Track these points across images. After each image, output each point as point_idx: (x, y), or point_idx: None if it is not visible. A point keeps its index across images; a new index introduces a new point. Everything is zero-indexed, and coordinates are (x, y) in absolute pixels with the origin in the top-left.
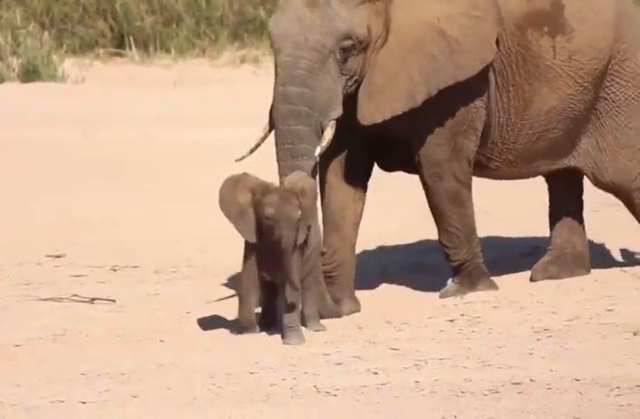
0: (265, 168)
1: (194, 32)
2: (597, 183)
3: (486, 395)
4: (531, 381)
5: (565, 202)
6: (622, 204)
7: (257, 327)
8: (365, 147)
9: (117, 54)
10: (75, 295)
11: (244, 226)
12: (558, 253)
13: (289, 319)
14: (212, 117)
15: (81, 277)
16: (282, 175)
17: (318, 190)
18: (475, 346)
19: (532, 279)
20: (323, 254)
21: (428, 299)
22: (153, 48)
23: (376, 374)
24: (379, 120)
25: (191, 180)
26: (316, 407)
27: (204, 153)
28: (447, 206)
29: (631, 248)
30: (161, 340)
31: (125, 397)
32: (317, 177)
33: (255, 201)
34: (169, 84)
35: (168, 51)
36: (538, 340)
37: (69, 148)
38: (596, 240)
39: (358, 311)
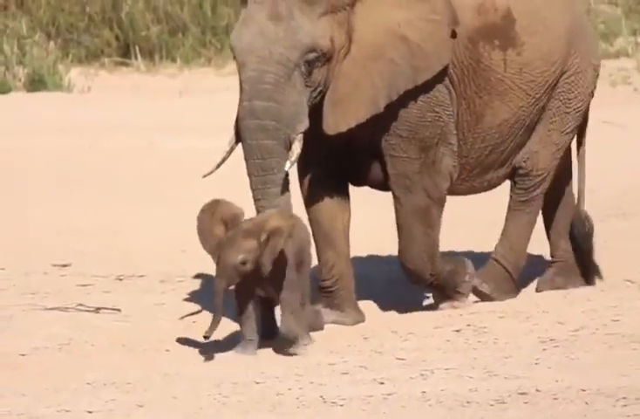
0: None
1: (199, 42)
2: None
3: (492, 405)
4: (537, 391)
5: (557, 213)
6: (628, 214)
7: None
8: (337, 161)
9: (122, 63)
10: (81, 304)
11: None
12: (562, 265)
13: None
14: (217, 126)
15: (87, 286)
16: (254, 192)
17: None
18: (481, 356)
19: (538, 290)
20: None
21: (434, 309)
22: (159, 57)
23: (382, 383)
24: (344, 128)
25: (196, 189)
26: (323, 417)
27: (209, 162)
28: (413, 224)
29: (638, 258)
30: (167, 350)
31: (130, 407)
32: (287, 190)
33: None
34: (175, 93)
35: (174, 60)
36: (544, 350)
37: (74, 157)
38: (603, 250)
39: (362, 321)
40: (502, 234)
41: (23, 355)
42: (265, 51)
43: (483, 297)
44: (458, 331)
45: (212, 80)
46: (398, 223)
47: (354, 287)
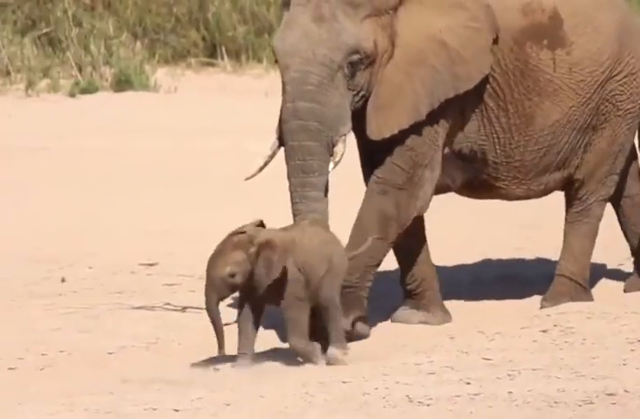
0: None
1: None
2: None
3: (580, 406)
4: (625, 391)
5: (633, 215)
6: None
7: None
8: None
9: (209, 64)
10: (168, 304)
11: None
12: None
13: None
14: None
15: (173, 285)
16: (293, 195)
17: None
18: (568, 356)
19: (625, 291)
20: (404, 274)
21: (521, 310)
22: (245, 58)
23: (468, 384)
24: (388, 134)
25: (282, 191)
26: (409, 416)
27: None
28: (373, 226)
29: None
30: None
31: (217, 405)
32: (326, 196)
33: None
34: (261, 94)
35: (260, 60)
36: (632, 350)
37: (160, 158)
38: None
39: (449, 321)
40: (564, 247)
41: (110, 354)
42: (309, 52)
43: None
44: (545, 331)
45: None
46: (357, 221)
47: (438, 287)
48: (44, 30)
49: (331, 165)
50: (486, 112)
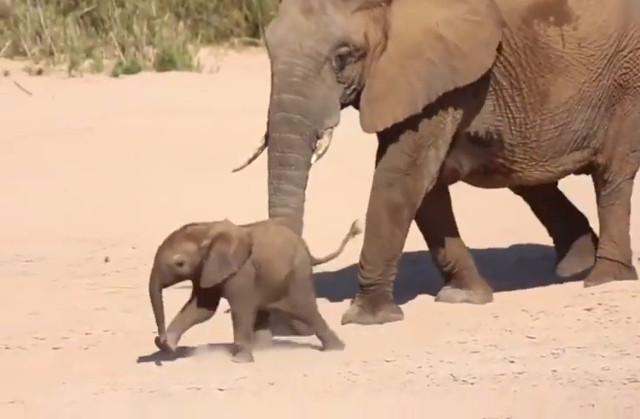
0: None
1: None
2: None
3: (624, 384)
4: None
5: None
6: None
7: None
8: None
9: (251, 43)
10: None
11: None
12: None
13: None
14: (344, 110)
15: None
16: (269, 186)
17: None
18: (613, 335)
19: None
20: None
21: (565, 288)
22: None
23: (512, 362)
24: (381, 128)
25: (325, 172)
26: (453, 395)
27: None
28: (384, 219)
29: None
30: None
31: (261, 384)
32: (305, 188)
33: None
34: None
35: None
36: None
37: (202, 138)
38: None
39: (491, 300)
40: (601, 232)
41: (154, 333)
42: (296, 44)
43: None
44: (589, 310)
45: None
46: (368, 217)
47: (473, 265)
48: (87, 10)
49: (314, 158)
50: (500, 92)
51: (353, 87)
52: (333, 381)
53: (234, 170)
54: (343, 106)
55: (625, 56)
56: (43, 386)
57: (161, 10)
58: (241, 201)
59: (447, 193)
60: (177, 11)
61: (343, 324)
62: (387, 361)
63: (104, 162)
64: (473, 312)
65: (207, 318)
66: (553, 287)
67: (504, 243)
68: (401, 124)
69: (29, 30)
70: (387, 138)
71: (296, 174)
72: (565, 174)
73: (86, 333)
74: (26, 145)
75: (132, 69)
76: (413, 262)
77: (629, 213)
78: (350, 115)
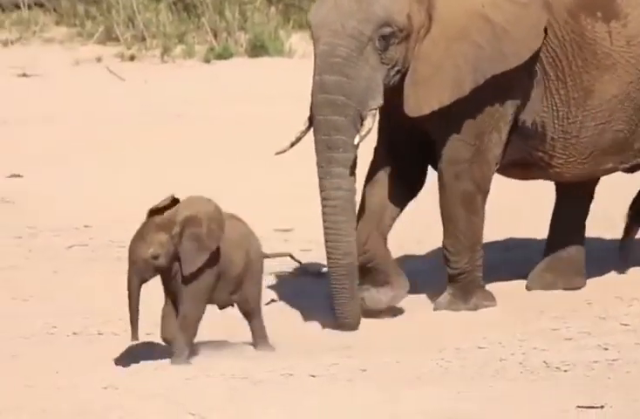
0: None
1: None
2: None
3: None
4: None
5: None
6: None
7: None
8: (418, 143)
9: None
10: (305, 270)
11: None
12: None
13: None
14: None
15: (308, 251)
16: (318, 170)
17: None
18: None
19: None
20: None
21: None
22: None
23: (606, 349)
24: (427, 111)
25: None
26: (546, 382)
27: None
28: (459, 209)
29: None
30: (394, 315)
31: (353, 371)
32: (353, 173)
33: None
34: None
35: None
36: None
37: (295, 124)
38: None
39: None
40: None
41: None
42: (337, 24)
43: None
44: None
45: None
46: (442, 209)
47: (393, 264)
48: None
49: (357, 139)
50: (547, 83)
51: (397, 69)
52: (425, 368)
53: (277, 153)
54: (388, 88)
55: None
56: (137, 371)
57: None
58: None
59: (415, 185)
60: None
61: (435, 310)
62: (480, 348)
63: (196, 148)
64: (567, 299)
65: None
66: None
67: (599, 230)
68: (456, 112)
69: (121, 15)
70: (441, 128)
71: (344, 156)
72: (606, 173)
73: None
74: (119, 130)
75: (224, 54)
76: (506, 249)
77: None
78: None
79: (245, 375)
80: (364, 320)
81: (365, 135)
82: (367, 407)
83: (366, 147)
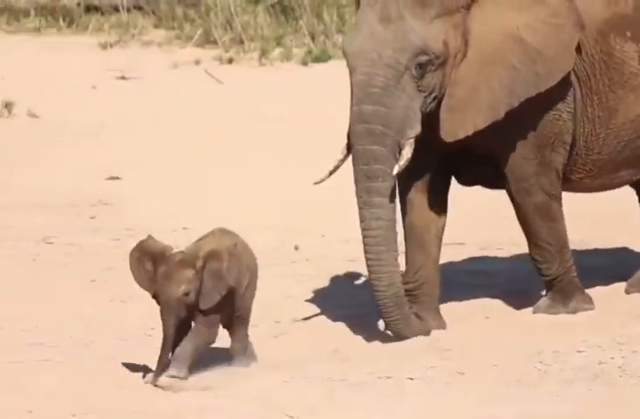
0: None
1: None
2: None
3: None
4: None
5: None
6: None
7: None
8: (444, 162)
9: None
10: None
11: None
12: None
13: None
14: None
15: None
16: (358, 200)
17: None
18: None
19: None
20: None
21: None
22: None
23: None
24: (462, 135)
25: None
26: None
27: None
28: (537, 221)
29: None
30: (487, 317)
31: (451, 374)
32: (396, 197)
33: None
34: None
35: None
36: None
37: None
38: None
39: (429, 332)
40: None
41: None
42: (374, 53)
43: None
44: None
45: None
46: (521, 223)
47: (438, 294)
48: None
49: (396, 168)
50: (575, 100)
51: (434, 95)
52: (524, 372)
53: (316, 183)
54: (424, 115)
55: None
56: (233, 373)
57: None
58: None
59: (445, 206)
60: None
61: (534, 313)
62: (579, 352)
63: (294, 151)
64: None
65: None
66: None
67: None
68: (514, 132)
69: (219, 18)
70: (501, 149)
71: (383, 185)
72: (622, 185)
73: (275, 322)
74: (217, 133)
75: (321, 57)
76: (607, 252)
77: None
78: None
79: (342, 378)
80: (462, 323)
81: (404, 165)
82: (464, 409)
83: None
